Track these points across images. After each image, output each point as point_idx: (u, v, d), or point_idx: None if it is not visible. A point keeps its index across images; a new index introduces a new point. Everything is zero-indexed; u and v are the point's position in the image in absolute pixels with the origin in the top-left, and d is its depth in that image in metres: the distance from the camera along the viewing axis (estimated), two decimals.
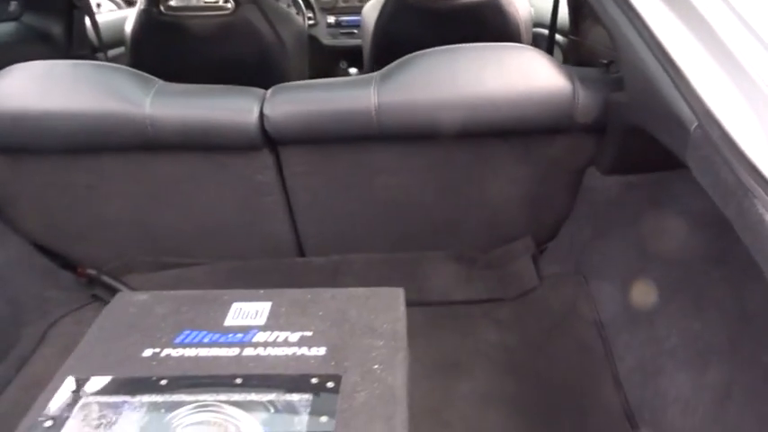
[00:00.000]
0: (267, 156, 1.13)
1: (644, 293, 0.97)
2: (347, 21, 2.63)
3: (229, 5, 1.75)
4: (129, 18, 1.85)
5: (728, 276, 0.88)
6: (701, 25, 0.82)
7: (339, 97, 1.09)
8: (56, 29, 1.74)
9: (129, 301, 0.91)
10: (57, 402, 0.74)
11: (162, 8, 1.74)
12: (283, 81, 1.72)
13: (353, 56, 2.57)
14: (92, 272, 1.29)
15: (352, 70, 2.61)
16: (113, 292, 1.29)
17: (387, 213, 1.24)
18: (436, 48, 1.11)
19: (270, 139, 1.11)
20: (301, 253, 1.32)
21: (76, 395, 0.75)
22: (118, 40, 1.97)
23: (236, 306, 0.89)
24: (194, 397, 0.74)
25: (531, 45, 1.90)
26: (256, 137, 1.09)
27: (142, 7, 1.75)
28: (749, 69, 0.74)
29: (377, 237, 1.29)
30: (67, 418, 0.72)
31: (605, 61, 1.13)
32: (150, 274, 1.31)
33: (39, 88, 1.11)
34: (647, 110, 0.87)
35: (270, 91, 1.14)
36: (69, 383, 0.77)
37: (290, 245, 1.29)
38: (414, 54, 1.11)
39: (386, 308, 0.88)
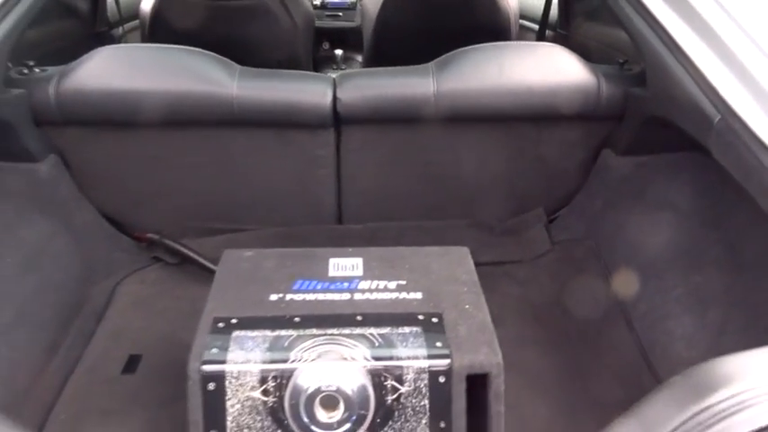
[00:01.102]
0: (331, 133, 1.29)
1: (652, 254, 1.20)
2: (333, 3, 2.75)
3: None
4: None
5: (723, 238, 1.12)
6: (712, 36, 1.05)
7: (402, 84, 1.26)
8: (82, 4, 1.80)
9: (239, 257, 1.06)
10: (214, 338, 0.89)
11: None
12: (294, 59, 1.86)
13: (336, 37, 2.71)
14: (153, 236, 1.42)
15: (338, 51, 2.75)
16: (173, 254, 1.43)
17: (421, 186, 1.43)
18: (482, 44, 1.30)
19: (337, 119, 1.27)
20: (340, 220, 1.49)
21: (228, 330, 0.91)
22: (131, 15, 2.04)
23: (333, 261, 1.06)
24: (323, 330, 0.91)
25: (518, 37, 2.13)
26: (327, 117, 1.25)
27: None
28: (752, 71, 0.98)
29: (409, 206, 1.47)
30: (227, 348, 0.87)
31: (621, 60, 1.35)
32: (202, 239, 1.45)
33: (126, 69, 1.23)
34: (670, 103, 1.09)
35: (338, 77, 1.30)
36: (218, 322, 0.92)
37: (332, 213, 1.45)
38: (464, 49, 1.29)
39: (459, 262, 1.07)
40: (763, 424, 0.57)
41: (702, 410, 0.58)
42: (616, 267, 1.29)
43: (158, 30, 1.85)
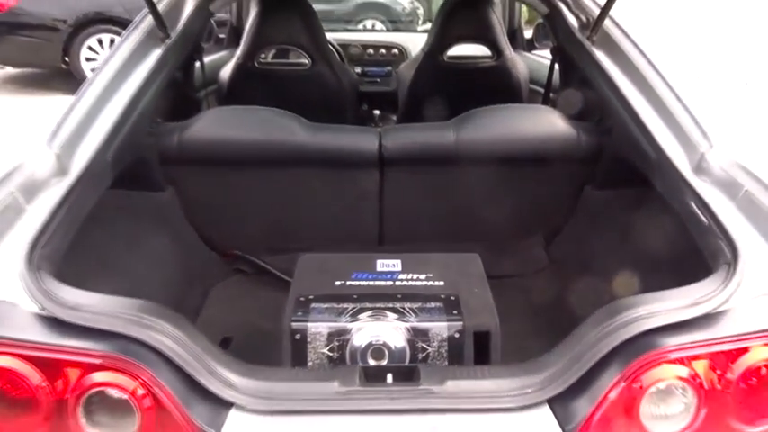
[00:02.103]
0: (377, 173, 1.71)
1: (620, 264, 1.57)
2: (371, 71, 3.23)
3: (306, 62, 2.34)
4: (225, 67, 2.42)
5: (671, 251, 1.48)
6: (656, 101, 1.47)
7: (430, 135, 1.69)
8: (179, 75, 2.28)
9: (311, 259, 1.47)
10: (298, 308, 1.28)
11: (256, 63, 2.32)
12: (342, 116, 2.30)
13: (374, 99, 3.17)
14: (237, 252, 1.84)
15: (376, 111, 3.20)
16: (251, 266, 1.84)
17: (445, 214, 1.82)
18: (493, 106, 1.73)
19: (382, 162, 1.69)
20: (381, 242, 1.88)
21: (308, 303, 1.30)
22: (211, 81, 2.53)
23: (379, 261, 1.45)
24: (373, 304, 1.30)
25: (528, 99, 2.55)
26: (375, 160, 1.67)
27: (239, 61, 2.32)
28: (684, 126, 1.38)
29: (435, 231, 1.85)
30: (308, 313, 1.27)
31: (596, 118, 1.77)
32: (274, 256, 1.86)
33: (228, 124, 1.68)
34: (628, 149, 1.49)
35: (382, 130, 1.73)
36: (300, 298, 1.32)
37: (375, 235, 1.85)
38: (478, 109, 1.72)
39: (471, 263, 1.45)
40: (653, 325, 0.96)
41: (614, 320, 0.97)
42: (599, 277, 1.66)
43: (234, 92, 2.31)
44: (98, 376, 0.91)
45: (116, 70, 1.54)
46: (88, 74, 6.27)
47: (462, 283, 1.37)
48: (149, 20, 1.71)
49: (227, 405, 0.96)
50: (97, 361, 0.91)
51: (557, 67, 2.30)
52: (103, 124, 1.41)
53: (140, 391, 0.91)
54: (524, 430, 0.96)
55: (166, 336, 0.95)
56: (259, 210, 1.81)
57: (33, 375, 0.91)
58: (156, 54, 1.66)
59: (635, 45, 1.61)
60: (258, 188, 1.74)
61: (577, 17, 1.88)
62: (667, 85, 1.49)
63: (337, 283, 1.36)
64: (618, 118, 1.55)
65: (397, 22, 5.20)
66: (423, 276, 1.39)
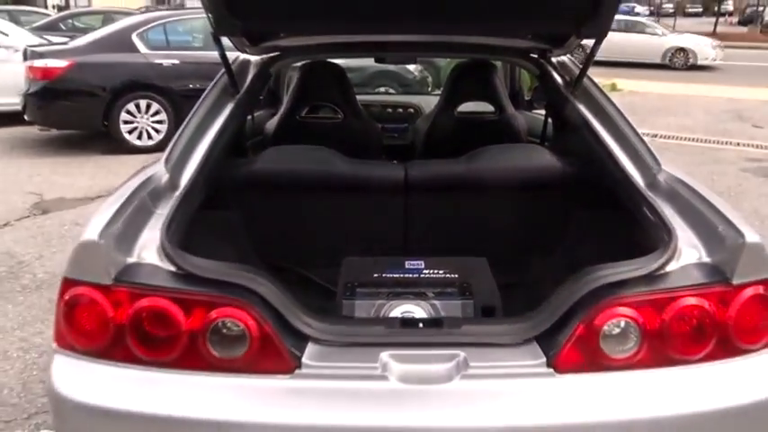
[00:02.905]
0: (402, 197, 2.14)
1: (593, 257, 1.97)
2: (391, 127, 3.71)
3: (339, 116, 2.82)
4: (270, 120, 2.90)
5: (626, 241, 1.86)
6: (621, 137, 1.91)
7: (445, 167, 2.14)
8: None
9: (354, 260, 1.87)
10: (346, 291, 1.69)
11: (297, 117, 2.80)
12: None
13: (393, 151, 3.64)
14: (285, 265, 2.24)
15: (394, 162, 3.66)
16: (298, 278, 2.25)
17: (458, 231, 2.22)
18: (496, 145, 2.18)
19: (407, 188, 2.13)
20: (405, 252, 2.27)
21: (354, 288, 1.70)
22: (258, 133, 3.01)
23: (407, 261, 1.86)
24: (404, 289, 1.70)
25: None
26: (401, 187, 2.11)
27: (284, 115, 2.80)
28: (641, 155, 1.82)
29: (450, 245, 2.25)
30: (354, 294, 1.67)
31: (579, 154, 2.21)
32: (314, 269, 2.26)
33: (286, 159, 2.13)
34: (602, 176, 1.93)
35: (408, 164, 2.18)
36: (347, 284, 1.72)
37: (401, 247, 2.25)
38: (483, 148, 2.17)
39: (479, 264, 1.86)
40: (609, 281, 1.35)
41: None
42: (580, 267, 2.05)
43: (279, 141, 2.78)
44: (220, 312, 1.32)
45: (203, 115, 2.01)
46: (126, 135, 6.88)
47: (473, 276, 1.77)
48: (225, 79, 2.19)
49: (306, 338, 1.36)
50: (220, 301, 1.32)
51: (550, 120, 2.77)
52: (197, 156, 1.86)
53: (251, 323, 1.31)
54: (519, 357, 1.35)
55: (265, 287, 1.36)
56: (306, 228, 2.22)
57: (178, 312, 1.32)
58: (229, 107, 2.13)
59: (604, 95, 2.08)
60: (306, 210, 2.16)
61: (563, 77, 2.35)
62: (628, 123, 1.94)
63: (375, 275, 1.77)
64: (594, 153, 1.99)
65: (408, 87, 5.75)
66: (441, 271, 1.80)
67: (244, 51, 2.37)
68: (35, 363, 2.90)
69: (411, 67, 7.18)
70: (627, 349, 1.34)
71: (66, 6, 21.00)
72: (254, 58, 2.42)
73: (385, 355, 1.34)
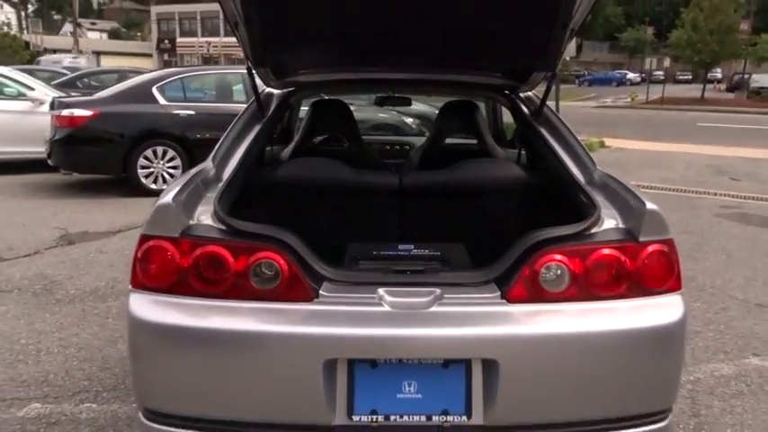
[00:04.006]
0: (397, 200, 2.63)
1: None
2: (388, 162, 4.24)
3: (345, 144, 3.35)
4: (286, 149, 3.44)
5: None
6: (569, 148, 2.43)
7: (432, 175, 2.65)
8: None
9: (357, 245, 2.34)
10: (352, 263, 2.16)
11: (309, 144, 3.33)
12: None
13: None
14: None
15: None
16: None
17: (444, 226, 2.70)
18: (474, 159, 2.70)
19: (401, 191, 2.63)
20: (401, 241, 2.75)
21: (357, 260, 2.18)
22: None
23: (400, 245, 2.33)
24: (396, 263, 2.17)
25: None
26: (397, 191, 2.61)
27: (298, 143, 3.33)
28: (583, 160, 2.34)
29: (437, 236, 2.72)
30: (358, 266, 2.14)
31: (539, 166, 2.73)
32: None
33: (306, 167, 2.64)
34: (556, 180, 2.44)
35: (401, 173, 2.69)
36: (352, 258, 2.19)
37: (396, 237, 2.72)
38: (464, 161, 2.68)
39: (457, 247, 2.33)
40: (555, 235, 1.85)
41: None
42: None
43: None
44: (259, 256, 1.80)
45: (239, 130, 2.53)
46: (143, 180, 7.42)
47: (452, 255, 2.25)
48: (253, 106, 2.73)
49: (323, 278, 1.84)
50: (259, 248, 1.80)
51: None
52: (235, 159, 2.37)
53: (282, 264, 1.79)
54: (481, 292, 1.83)
55: (292, 240, 1.85)
56: (318, 224, 2.70)
57: (227, 255, 1.80)
58: (257, 127, 2.65)
59: (558, 117, 2.61)
60: (318, 210, 2.65)
61: (528, 108, 2.90)
62: (574, 137, 2.46)
63: (374, 252, 2.25)
64: (551, 163, 2.51)
65: (405, 134, 6.37)
66: (427, 252, 2.28)
67: (268, 85, 2.92)
68: (74, 356, 3.33)
69: (409, 120, 7.89)
70: (560, 286, 1.82)
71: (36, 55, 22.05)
72: (276, 92, 2.96)
73: (381, 291, 1.81)
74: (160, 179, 7.48)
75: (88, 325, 3.73)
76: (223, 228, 1.87)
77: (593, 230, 1.90)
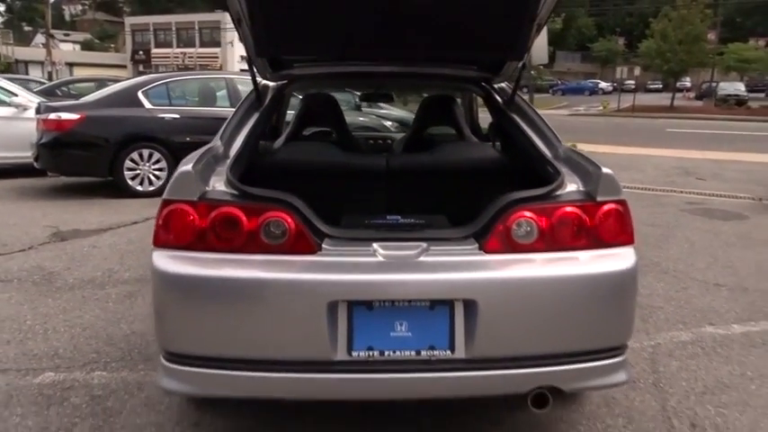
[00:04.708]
0: (384, 180, 2.93)
1: None
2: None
3: (334, 135, 3.64)
4: (279, 139, 3.72)
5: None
6: (537, 130, 2.75)
7: (416, 157, 2.95)
8: None
9: (351, 216, 2.63)
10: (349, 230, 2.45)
11: (300, 136, 3.62)
12: None
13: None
14: None
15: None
16: None
17: (425, 200, 2.99)
18: (454, 142, 3.00)
19: (389, 172, 2.92)
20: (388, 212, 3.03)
21: (351, 227, 2.46)
22: None
23: (388, 216, 2.62)
24: (389, 230, 2.46)
25: None
26: (384, 172, 2.90)
27: (290, 134, 3.61)
28: (549, 137, 2.66)
29: (421, 211, 3.02)
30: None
31: (511, 149, 3.05)
32: None
33: (299, 150, 2.93)
34: (526, 160, 2.75)
35: (387, 156, 2.98)
36: (347, 222, 2.48)
37: (384, 210, 3.01)
38: (445, 144, 2.98)
39: (440, 218, 2.63)
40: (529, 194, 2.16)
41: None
42: None
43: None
44: (269, 215, 2.08)
45: (240, 117, 2.82)
46: (129, 182, 7.62)
47: (434, 222, 2.55)
48: (252, 96, 3.01)
49: (324, 235, 2.12)
50: (269, 208, 2.08)
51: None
52: (239, 140, 2.65)
53: (289, 222, 2.07)
54: (462, 245, 2.13)
55: (298, 203, 2.13)
56: (313, 203, 2.98)
57: (241, 215, 2.07)
58: (256, 115, 2.94)
59: (528, 104, 2.94)
60: (313, 189, 2.93)
61: (501, 97, 3.22)
62: (543, 120, 2.79)
63: (366, 221, 2.54)
64: (522, 145, 2.83)
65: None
66: (412, 221, 2.57)
67: (265, 77, 3.21)
68: (80, 335, 3.56)
69: (388, 123, 8.22)
70: (529, 239, 2.13)
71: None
72: (271, 84, 3.25)
73: (375, 245, 2.11)
74: (146, 181, 7.69)
75: (90, 308, 3.95)
76: (236, 192, 2.14)
77: (557, 192, 2.21)
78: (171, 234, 2.11)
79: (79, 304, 4.03)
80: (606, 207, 2.17)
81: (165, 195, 2.16)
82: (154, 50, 54.63)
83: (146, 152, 7.67)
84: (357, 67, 3.24)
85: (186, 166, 2.15)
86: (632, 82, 39.90)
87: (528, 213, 2.13)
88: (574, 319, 2.11)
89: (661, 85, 50.93)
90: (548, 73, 50.55)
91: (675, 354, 3.40)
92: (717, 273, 4.94)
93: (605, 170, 2.19)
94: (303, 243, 2.08)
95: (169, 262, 2.09)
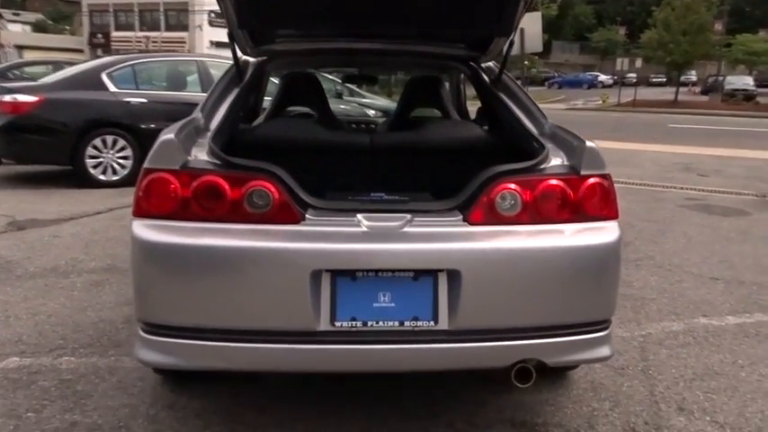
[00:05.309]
0: (368, 156, 3.10)
1: None
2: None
3: (314, 116, 3.81)
4: (259, 118, 3.88)
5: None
6: (524, 108, 2.96)
7: (400, 135, 3.14)
8: None
9: (335, 193, 2.81)
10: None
11: (280, 116, 3.79)
12: None
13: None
14: None
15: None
16: None
17: (408, 173, 3.16)
18: (439, 119, 3.19)
19: (372, 147, 3.10)
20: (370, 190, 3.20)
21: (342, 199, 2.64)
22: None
23: (372, 194, 2.80)
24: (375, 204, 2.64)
25: None
26: (368, 149, 3.08)
27: (269, 113, 3.78)
28: (536, 115, 2.87)
29: (405, 188, 3.18)
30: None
31: (498, 127, 3.25)
32: None
33: (286, 127, 3.10)
34: (513, 137, 2.95)
35: (372, 133, 3.16)
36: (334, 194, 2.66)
37: (367, 188, 3.18)
38: (431, 120, 3.17)
39: (423, 195, 2.82)
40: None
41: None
42: None
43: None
44: (253, 184, 2.24)
45: (220, 91, 2.98)
46: (91, 170, 7.72)
47: (418, 198, 2.73)
48: (232, 71, 3.18)
49: (308, 205, 2.29)
50: (253, 177, 2.25)
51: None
52: (220, 114, 2.81)
53: (273, 191, 2.24)
54: (446, 217, 2.31)
55: (281, 172, 2.30)
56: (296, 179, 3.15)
57: (224, 184, 2.24)
58: (236, 90, 3.10)
59: (514, 82, 3.14)
60: (296, 166, 3.10)
61: (488, 77, 3.42)
62: (529, 98, 2.99)
63: (350, 198, 2.71)
64: (508, 123, 3.03)
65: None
66: (396, 197, 2.75)
67: (245, 53, 3.37)
68: (45, 322, 3.69)
69: (371, 112, 8.43)
70: (513, 211, 2.31)
71: None
72: (252, 60, 3.42)
73: (359, 216, 2.28)
74: (110, 170, 7.80)
75: (54, 297, 4.08)
76: (218, 162, 2.31)
77: (542, 166, 2.41)
78: (152, 203, 2.27)
79: (42, 292, 4.16)
80: (590, 181, 2.37)
81: (146, 164, 2.32)
82: (114, 34, 54.24)
83: (109, 139, 7.77)
84: (340, 43, 3.42)
85: (168, 134, 2.31)
86: (634, 75, 40.57)
87: (512, 186, 2.32)
88: (557, 292, 2.29)
89: (665, 79, 51.76)
90: (543, 64, 51.13)
91: (666, 343, 3.61)
92: (713, 267, 5.18)
93: (589, 144, 2.39)
94: (286, 213, 2.25)
95: (150, 231, 2.24)
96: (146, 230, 2.25)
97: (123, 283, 4.27)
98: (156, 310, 2.27)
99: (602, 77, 54.54)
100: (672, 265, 5.18)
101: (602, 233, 2.36)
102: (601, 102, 34.17)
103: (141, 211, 2.29)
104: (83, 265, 4.74)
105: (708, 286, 4.68)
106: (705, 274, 4.99)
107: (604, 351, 2.40)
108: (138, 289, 2.29)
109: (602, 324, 2.39)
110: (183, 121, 2.61)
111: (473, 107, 4.52)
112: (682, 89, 37.66)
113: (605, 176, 2.41)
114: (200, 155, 2.35)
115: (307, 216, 2.26)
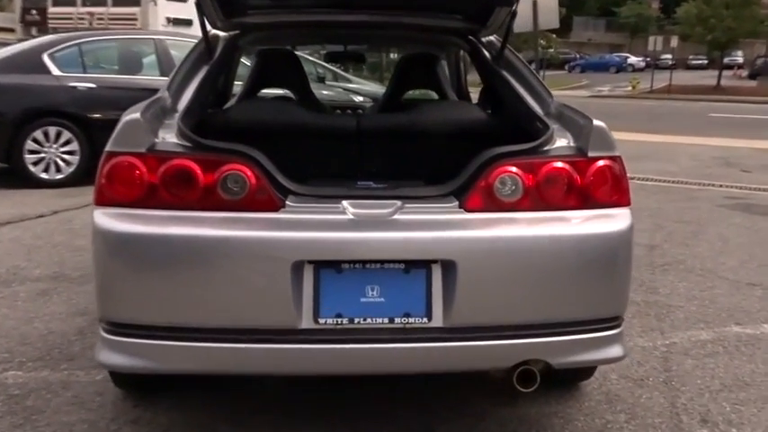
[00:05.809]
0: (356, 141, 3.30)
1: None
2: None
3: (294, 98, 4.01)
4: (231, 101, 4.08)
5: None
6: (528, 86, 3.18)
7: (391, 117, 3.35)
8: None
9: (320, 180, 3.02)
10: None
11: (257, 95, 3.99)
12: None
13: None
14: None
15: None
16: None
17: (402, 164, 3.37)
18: (434, 101, 3.40)
19: (359, 132, 3.30)
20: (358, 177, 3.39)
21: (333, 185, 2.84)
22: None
23: (359, 182, 3.00)
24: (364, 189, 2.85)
25: None
26: (355, 133, 3.28)
27: (242, 95, 3.98)
28: (541, 94, 3.09)
29: (395, 174, 3.36)
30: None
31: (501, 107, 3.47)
32: None
33: (262, 110, 3.30)
34: (517, 116, 3.17)
35: (359, 116, 3.37)
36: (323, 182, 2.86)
37: (354, 176, 3.36)
38: (424, 103, 3.38)
39: (415, 183, 3.02)
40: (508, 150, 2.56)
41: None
42: None
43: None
44: (228, 167, 2.44)
45: (187, 69, 3.18)
46: (31, 167, 7.88)
47: (410, 185, 2.93)
48: (200, 47, 3.38)
49: (288, 191, 2.49)
50: (228, 160, 2.44)
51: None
52: (188, 93, 3.01)
53: (249, 175, 2.43)
54: (440, 203, 2.51)
55: (258, 155, 2.49)
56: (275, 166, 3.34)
57: (196, 168, 2.43)
58: (205, 68, 3.30)
59: (518, 57, 3.36)
60: (273, 153, 3.30)
61: (490, 53, 3.64)
62: (534, 75, 3.21)
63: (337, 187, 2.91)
64: (510, 103, 3.24)
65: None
66: (386, 185, 2.95)
67: (215, 26, 3.58)
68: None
69: (359, 98, 8.67)
70: (514, 197, 2.52)
71: None
72: (222, 34, 3.62)
73: (345, 203, 2.48)
74: (53, 167, 7.96)
75: None
76: (189, 144, 2.50)
77: (545, 147, 2.61)
78: (115, 190, 2.45)
79: None
80: (598, 163, 2.57)
81: (108, 147, 2.50)
82: (51, 9, 53.88)
83: (52, 131, 7.94)
84: (322, 15, 3.63)
85: (133, 114, 2.50)
86: (669, 56, 40.99)
87: (513, 169, 2.52)
88: (562, 285, 2.49)
89: (706, 61, 52.29)
90: (562, 44, 51.48)
91: (692, 353, 3.82)
92: (751, 272, 5.41)
93: (597, 123, 2.60)
94: (264, 199, 2.45)
95: (113, 220, 2.43)
96: (109, 220, 2.43)
97: (74, 293, 4.46)
98: (121, 307, 2.45)
99: (633, 59, 55.09)
100: (704, 269, 5.41)
101: (611, 221, 2.56)
102: (630, 88, 34.55)
103: (104, 199, 2.47)
104: (26, 273, 4.92)
105: (743, 292, 4.91)
106: (742, 279, 5.21)
107: (616, 351, 2.60)
108: (101, 285, 2.48)
109: (613, 321, 2.59)
110: (149, 100, 2.80)
111: (476, 94, 4.75)
112: (725, 73, 38.08)
113: (615, 159, 2.61)
114: (169, 137, 2.54)
115: (287, 203, 2.46)
